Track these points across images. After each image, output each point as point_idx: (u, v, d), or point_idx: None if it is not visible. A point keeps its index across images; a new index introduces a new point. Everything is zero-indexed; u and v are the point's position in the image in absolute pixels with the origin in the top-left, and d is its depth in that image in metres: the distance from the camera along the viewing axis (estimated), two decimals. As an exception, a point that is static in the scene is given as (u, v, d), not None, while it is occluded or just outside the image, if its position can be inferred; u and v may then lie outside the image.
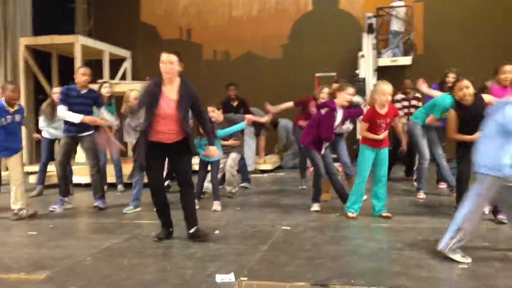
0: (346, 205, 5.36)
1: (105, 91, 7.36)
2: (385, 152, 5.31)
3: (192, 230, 4.51)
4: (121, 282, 3.41)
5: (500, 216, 4.92)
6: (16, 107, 5.76)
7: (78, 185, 7.68)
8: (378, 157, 5.28)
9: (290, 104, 6.91)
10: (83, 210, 6.33)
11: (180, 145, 4.46)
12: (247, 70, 11.46)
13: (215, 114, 6.29)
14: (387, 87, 5.16)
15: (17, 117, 5.78)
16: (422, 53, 11.08)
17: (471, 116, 4.86)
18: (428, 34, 11.15)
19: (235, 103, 7.59)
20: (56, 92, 7.08)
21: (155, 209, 4.67)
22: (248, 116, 6.37)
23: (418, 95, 7.64)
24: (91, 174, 6.21)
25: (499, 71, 5.62)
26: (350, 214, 5.29)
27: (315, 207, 5.72)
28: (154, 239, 4.53)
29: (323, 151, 5.64)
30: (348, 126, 6.28)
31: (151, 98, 4.36)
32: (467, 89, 4.94)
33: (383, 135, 5.25)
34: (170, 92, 4.40)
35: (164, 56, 4.37)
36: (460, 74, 6.21)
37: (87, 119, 5.99)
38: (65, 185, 6.24)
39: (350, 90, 5.59)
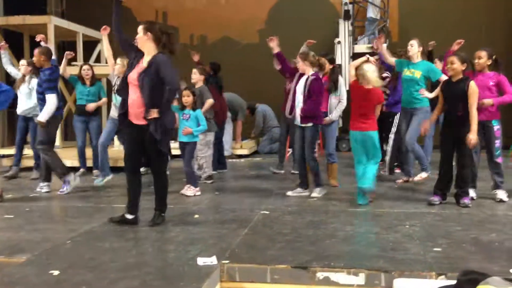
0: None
1: (84, 73, 7.32)
2: (371, 135, 5.29)
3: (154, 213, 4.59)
4: (104, 265, 3.41)
5: (465, 201, 5.12)
6: None
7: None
8: (365, 141, 5.30)
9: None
10: (59, 193, 6.25)
11: (150, 130, 4.36)
12: (223, 54, 11.38)
13: (194, 76, 6.66)
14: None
15: None
16: (396, 40, 11.23)
17: (450, 93, 5.10)
18: (403, 22, 11.31)
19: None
20: (23, 64, 7.18)
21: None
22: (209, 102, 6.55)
23: (385, 74, 7.66)
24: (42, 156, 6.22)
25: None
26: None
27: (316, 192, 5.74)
28: (108, 220, 4.57)
29: (294, 112, 5.75)
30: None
31: (130, 66, 4.47)
32: (452, 65, 5.09)
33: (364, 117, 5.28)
34: (145, 61, 4.42)
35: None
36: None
37: None
38: (63, 167, 6.21)
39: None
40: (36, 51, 6.15)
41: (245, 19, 11.80)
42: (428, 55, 6.91)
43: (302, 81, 5.72)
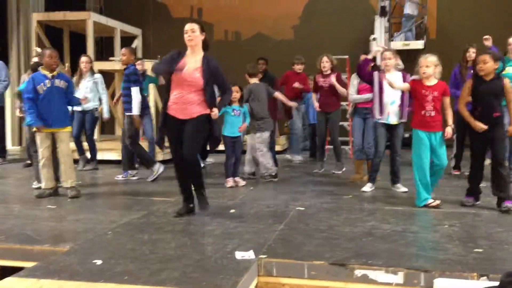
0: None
1: (138, 68, 7.45)
2: (438, 136, 5.08)
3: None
4: (144, 256, 3.49)
5: (508, 204, 4.89)
6: (55, 73, 5.48)
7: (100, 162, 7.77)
8: (432, 142, 5.09)
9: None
10: (99, 185, 6.40)
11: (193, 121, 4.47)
12: (257, 50, 11.39)
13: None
14: (422, 59, 5.08)
15: (58, 82, 5.47)
16: (434, 37, 11.05)
17: (485, 92, 4.90)
18: (441, 18, 11.11)
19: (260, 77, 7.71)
20: (83, 61, 7.55)
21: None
22: (277, 94, 6.75)
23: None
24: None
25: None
26: (429, 202, 5.10)
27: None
28: (173, 215, 4.62)
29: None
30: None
31: (170, 62, 4.45)
32: (484, 64, 4.88)
33: (433, 113, 5.05)
34: (192, 60, 4.47)
35: (187, 26, 4.47)
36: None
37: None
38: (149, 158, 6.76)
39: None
40: (125, 50, 6.53)
41: (279, 16, 11.80)
42: None
43: (396, 78, 5.54)
